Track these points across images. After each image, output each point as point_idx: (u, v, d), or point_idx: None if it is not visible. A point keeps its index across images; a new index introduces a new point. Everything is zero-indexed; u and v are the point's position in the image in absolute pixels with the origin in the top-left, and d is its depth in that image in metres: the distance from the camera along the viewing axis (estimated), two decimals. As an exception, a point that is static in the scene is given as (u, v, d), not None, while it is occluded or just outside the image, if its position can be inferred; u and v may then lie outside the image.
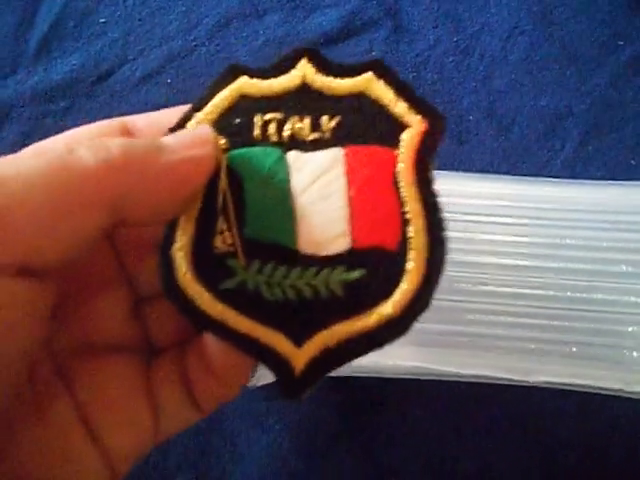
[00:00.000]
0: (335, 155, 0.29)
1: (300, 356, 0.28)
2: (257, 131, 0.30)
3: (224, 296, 0.29)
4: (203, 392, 0.31)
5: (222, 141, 0.30)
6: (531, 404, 0.40)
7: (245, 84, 0.30)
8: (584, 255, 0.40)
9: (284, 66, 0.31)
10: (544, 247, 0.41)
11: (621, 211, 0.41)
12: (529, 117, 0.46)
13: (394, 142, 0.30)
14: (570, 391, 0.39)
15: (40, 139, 0.47)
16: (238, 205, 0.29)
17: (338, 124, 0.30)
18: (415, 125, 0.30)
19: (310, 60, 0.31)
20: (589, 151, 0.45)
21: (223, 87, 0.31)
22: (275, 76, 0.31)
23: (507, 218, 0.41)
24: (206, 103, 0.30)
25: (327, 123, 0.30)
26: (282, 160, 0.29)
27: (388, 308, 0.28)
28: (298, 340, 0.28)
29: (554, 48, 0.48)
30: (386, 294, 0.28)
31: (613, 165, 0.45)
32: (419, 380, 0.39)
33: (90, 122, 0.47)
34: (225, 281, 0.29)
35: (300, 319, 0.29)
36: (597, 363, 0.39)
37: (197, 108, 0.30)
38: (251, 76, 0.31)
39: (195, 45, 0.50)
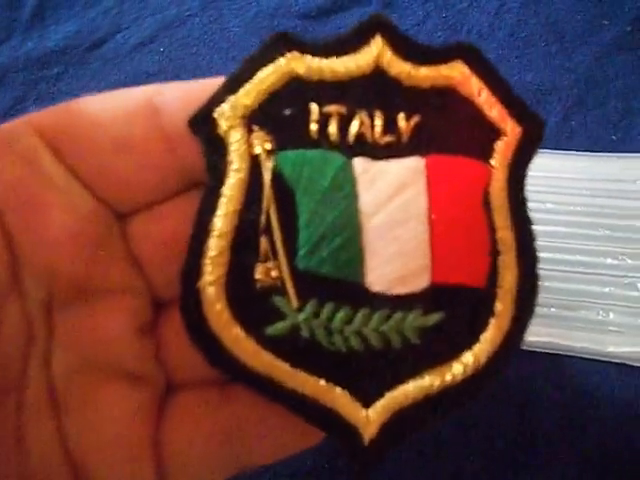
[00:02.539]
0: (415, 166, 0.23)
1: (370, 420, 0.23)
2: (313, 127, 0.23)
3: (270, 344, 0.23)
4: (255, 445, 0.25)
5: (265, 138, 0.23)
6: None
7: (298, 61, 0.23)
8: (563, 218, 0.41)
9: (351, 42, 0.24)
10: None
11: (599, 179, 0.42)
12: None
13: (485, 152, 0.24)
14: (546, 353, 0.39)
15: (33, 104, 0.48)
16: (287, 226, 0.23)
17: (418, 125, 0.23)
18: (511, 133, 0.24)
19: (385, 38, 0.24)
20: (572, 126, 0.46)
21: (266, 62, 0.23)
22: (338, 54, 0.24)
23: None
24: (243, 82, 0.23)
25: (404, 123, 0.23)
26: (347, 169, 0.23)
27: (473, 358, 0.23)
28: (366, 400, 0.23)
29: (540, 25, 0.49)
30: (471, 340, 0.24)
31: (595, 140, 0.45)
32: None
33: (83, 89, 0.49)
34: (271, 325, 0.23)
35: (368, 374, 0.23)
36: (574, 324, 0.39)
37: (230, 88, 0.23)
38: (305, 51, 0.24)
39: (188, 15, 0.51)
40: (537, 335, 0.39)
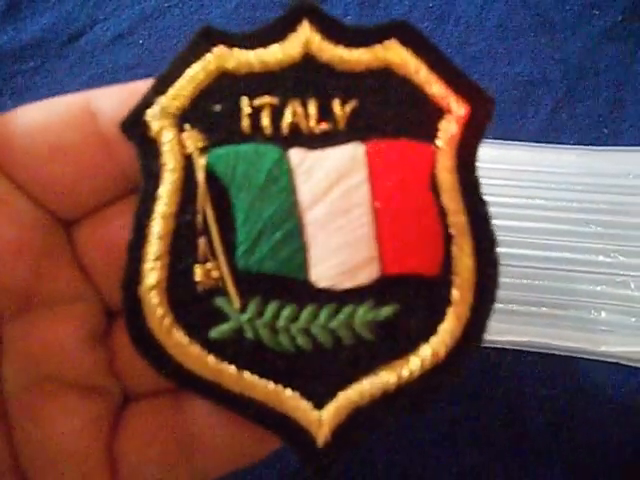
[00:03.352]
0: (354, 153, 0.23)
1: (323, 422, 0.22)
2: (245, 122, 0.23)
3: (215, 348, 0.22)
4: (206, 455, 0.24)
5: (197, 137, 0.23)
6: (497, 365, 0.39)
7: (225, 55, 0.23)
8: (554, 215, 0.40)
9: (278, 30, 0.23)
10: (514, 207, 0.41)
11: (590, 173, 0.41)
12: (503, 84, 0.46)
13: (429, 133, 0.23)
14: (537, 352, 0.39)
15: (9, 99, 0.47)
16: (225, 224, 0.23)
17: (355, 110, 0.23)
18: (456, 110, 0.23)
19: (313, 22, 0.23)
20: (562, 118, 0.45)
21: (194, 59, 0.23)
22: (265, 44, 0.23)
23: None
24: (171, 83, 0.23)
25: (340, 109, 0.23)
26: (283, 161, 0.23)
27: (431, 351, 0.22)
28: (318, 401, 0.22)
29: (529, 15, 0.48)
30: (427, 332, 0.23)
31: (585, 133, 0.44)
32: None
33: (60, 82, 0.47)
34: (214, 328, 0.22)
35: (318, 374, 0.22)
36: (565, 323, 0.39)
37: (160, 89, 0.23)
38: (232, 44, 0.23)
39: (168, 6, 0.49)
40: (528, 334, 0.38)
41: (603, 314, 0.39)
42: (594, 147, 0.43)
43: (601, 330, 0.39)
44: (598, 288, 0.39)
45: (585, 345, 0.38)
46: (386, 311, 0.23)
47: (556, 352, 0.39)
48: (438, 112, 0.23)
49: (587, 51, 0.47)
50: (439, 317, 0.23)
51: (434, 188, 0.23)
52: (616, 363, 0.38)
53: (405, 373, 0.22)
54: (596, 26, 0.47)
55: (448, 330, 0.23)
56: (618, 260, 0.39)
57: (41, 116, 0.24)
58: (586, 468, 0.38)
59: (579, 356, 0.38)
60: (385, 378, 0.22)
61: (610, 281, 0.39)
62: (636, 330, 0.38)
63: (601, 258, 0.40)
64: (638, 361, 0.38)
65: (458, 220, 0.23)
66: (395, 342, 0.23)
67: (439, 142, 0.23)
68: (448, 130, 0.23)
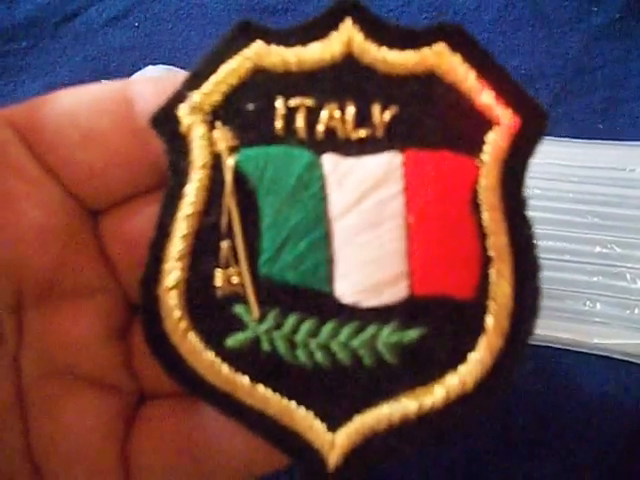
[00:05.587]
0: (390, 163, 0.21)
1: (336, 444, 0.21)
2: (279, 123, 0.22)
3: (230, 356, 0.22)
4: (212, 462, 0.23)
5: (228, 135, 0.22)
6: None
7: (263, 52, 0.22)
8: (552, 205, 0.40)
9: (319, 28, 0.22)
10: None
11: (588, 166, 0.41)
12: (500, 77, 0.46)
13: (474, 146, 0.22)
14: (529, 344, 0.38)
15: (1, 78, 0.47)
16: (250, 229, 0.22)
17: (395, 117, 0.22)
18: (505, 122, 0.21)
19: (356, 21, 0.22)
20: (558, 113, 0.45)
21: (230, 54, 0.22)
22: (305, 42, 0.22)
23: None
24: (206, 78, 0.22)
25: (379, 115, 0.22)
26: (315, 167, 0.22)
27: (458, 381, 0.21)
28: (333, 422, 0.21)
29: (527, 10, 0.48)
30: (456, 360, 0.21)
31: (581, 128, 0.44)
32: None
33: (53, 63, 0.47)
34: (231, 336, 0.22)
35: (335, 394, 0.21)
36: (559, 314, 0.38)
37: (194, 84, 0.22)
38: (270, 40, 0.22)
39: (164, -11, 0.49)
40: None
41: (598, 306, 0.39)
42: (592, 140, 0.43)
43: (595, 322, 0.38)
44: (594, 279, 0.39)
45: (578, 337, 0.38)
46: (412, 334, 0.21)
47: (548, 344, 0.38)
48: (486, 123, 0.22)
49: (584, 47, 0.47)
50: (469, 345, 0.21)
51: (475, 206, 0.22)
52: (607, 357, 0.38)
53: (428, 402, 0.21)
54: (594, 22, 0.47)
55: (479, 360, 0.21)
56: (615, 251, 0.39)
57: (75, 101, 0.23)
58: (576, 462, 0.37)
59: (571, 348, 0.38)
60: (406, 405, 0.21)
61: (606, 272, 0.39)
62: (630, 323, 0.38)
63: (598, 249, 0.39)
64: (630, 355, 0.38)
65: (498, 242, 0.21)
66: (419, 368, 0.21)
67: (484, 156, 0.22)
68: (495, 143, 0.22)
